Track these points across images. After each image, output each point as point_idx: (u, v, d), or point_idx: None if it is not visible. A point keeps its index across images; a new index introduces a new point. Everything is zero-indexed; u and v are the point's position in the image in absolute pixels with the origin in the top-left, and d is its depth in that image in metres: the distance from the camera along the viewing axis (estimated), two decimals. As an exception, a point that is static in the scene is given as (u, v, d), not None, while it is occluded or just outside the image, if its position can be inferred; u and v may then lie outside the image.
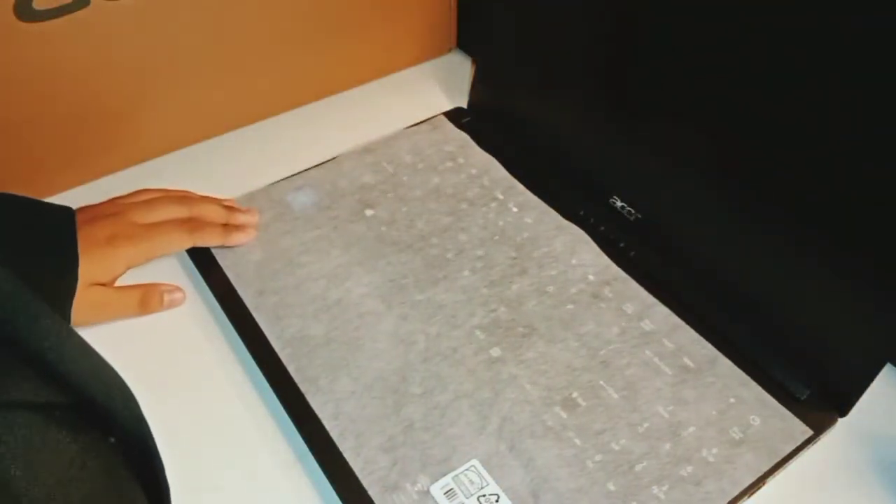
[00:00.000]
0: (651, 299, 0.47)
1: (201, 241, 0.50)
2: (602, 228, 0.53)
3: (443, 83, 0.68)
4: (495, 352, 0.45)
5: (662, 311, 0.47)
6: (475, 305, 0.47)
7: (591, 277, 0.49)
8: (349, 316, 0.47)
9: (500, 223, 0.53)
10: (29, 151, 0.55)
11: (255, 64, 0.61)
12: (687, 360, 0.44)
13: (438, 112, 0.63)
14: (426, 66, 0.71)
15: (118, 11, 0.51)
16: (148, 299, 0.48)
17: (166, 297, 0.49)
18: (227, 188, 0.56)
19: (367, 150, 0.59)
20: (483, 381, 0.43)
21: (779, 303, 0.44)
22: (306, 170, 0.57)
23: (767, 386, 0.43)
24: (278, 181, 0.56)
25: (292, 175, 0.57)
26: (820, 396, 0.43)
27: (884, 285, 0.39)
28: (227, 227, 0.51)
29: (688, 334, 0.46)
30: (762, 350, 0.45)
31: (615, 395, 0.43)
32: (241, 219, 0.52)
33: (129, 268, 0.48)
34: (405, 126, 0.62)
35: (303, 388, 0.43)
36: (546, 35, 0.55)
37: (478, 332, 0.46)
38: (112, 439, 0.30)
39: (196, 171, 0.59)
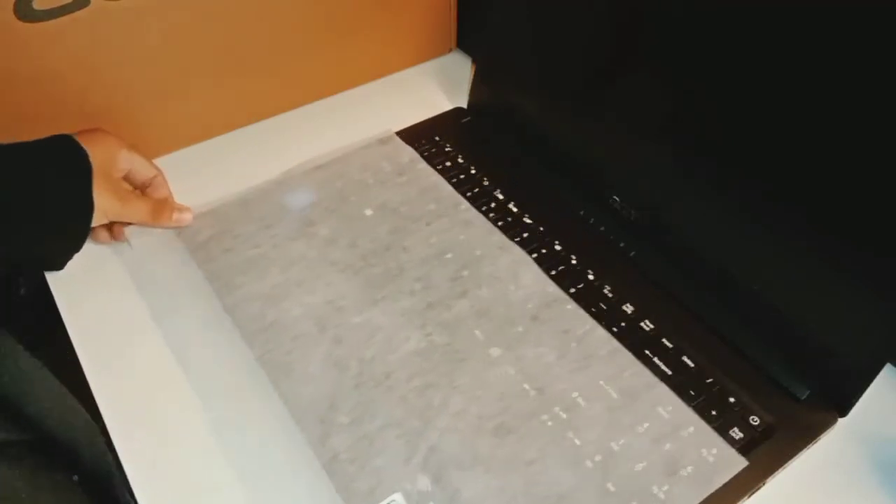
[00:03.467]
0: (591, 322, 0.46)
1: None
2: (602, 228, 0.53)
3: (443, 83, 0.68)
4: (429, 377, 0.43)
5: (602, 334, 0.45)
6: (412, 328, 0.46)
7: (531, 300, 0.47)
8: (283, 339, 0.46)
9: (444, 243, 0.51)
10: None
11: (256, 64, 0.61)
12: (625, 387, 0.43)
13: (435, 113, 0.63)
14: (426, 66, 0.71)
15: (118, 11, 0.51)
16: (160, 211, 0.51)
17: (175, 215, 0.51)
18: (226, 188, 0.56)
19: (316, 166, 0.58)
20: (414, 409, 0.42)
21: (779, 303, 0.44)
22: (252, 188, 0.56)
23: (720, 407, 0.42)
24: (226, 201, 0.55)
25: (243, 191, 0.56)
26: (820, 396, 0.43)
27: (884, 285, 0.39)
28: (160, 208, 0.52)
29: (626, 359, 0.44)
30: (762, 350, 0.45)
31: (549, 423, 0.41)
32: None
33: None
34: (399, 128, 0.62)
35: None
36: (546, 35, 0.55)
37: (413, 357, 0.44)
38: (76, 477, 0.30)
39: (196, 171, 0.59)
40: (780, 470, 0.40)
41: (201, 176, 0.58)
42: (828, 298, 0.42)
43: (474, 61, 0.65)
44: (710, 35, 0.44)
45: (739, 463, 0.40)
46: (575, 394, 0.43)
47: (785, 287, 0.44)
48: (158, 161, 0.60)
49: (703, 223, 0.48)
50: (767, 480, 0.40)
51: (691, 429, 0.41)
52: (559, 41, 0.54)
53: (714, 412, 0.42)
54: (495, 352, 0.45)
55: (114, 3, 0.51)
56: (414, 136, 0.61)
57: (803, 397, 0.43)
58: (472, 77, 0.63)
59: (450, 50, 0.72)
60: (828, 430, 0.42)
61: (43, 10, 0.49)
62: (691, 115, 0.46)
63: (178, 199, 0.55)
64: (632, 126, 0.51)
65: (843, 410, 0.42)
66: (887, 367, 0.43)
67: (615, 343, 0.45)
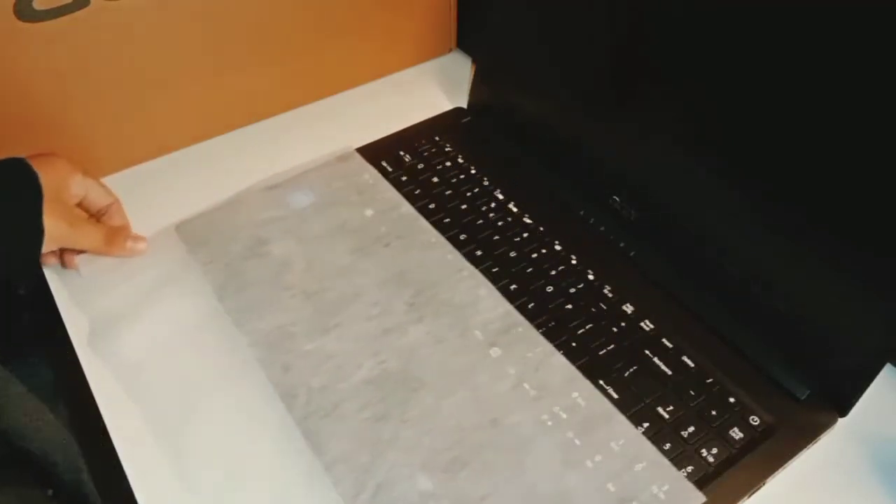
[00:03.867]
0: (549, 348, 0.45)
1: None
2: (602, 228, 0.53)
3: (443, 83, 0.68)
4: (380, 408, 0.42)
5: (560, 361, 0.44)
6: (366, 356, 0.44)
7: (489, 325, 0.46)
8: (220, 369, 0.44)
9: (402, 265, 0.49)
10: (28, 151, 0.55)
11: (255, 64, 0.61)
12: (582, 418, 0.41)
13: (435, 113, 0.63)
14: (426, 66, 0.71)
15: (118, 11, 0.51)
16: (113, 238, 0.50)
17: (130, 243, 0.50)
18: (226, 188, 0.56)
19: (272, 185, 0.56)
20: (364, 442, 0.40)
21: (779, 303, 0.44)
22: (205, 211, 0.54)
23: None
24: (183, 221, 0.54)
25: (194, 216, 0.54)
26: (820, 396, 0.43)
27: (884, 285, 0.39)
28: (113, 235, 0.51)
29: (584, 387, 0.43)
30: (762, 350, 0.45)
31: (503, 457, 0.40)
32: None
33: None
34: (399, 128, 0.61)
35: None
36: (546, 35, 0.55)
37: (364, 386, 0.43)
38: (50, 491, 0.30)
39: (196, 171, 0.59)
40: (780, 470, 0.40)
41: (200, 176, 0.58)
42: (828, 298, 0.42)
43: (474, 61, 0.65)
44: (709, 34, 0.43)
45: (695, 498, 0.38)
46: (530, 425, 0.41)
47: (785, 287, 0.44)
48: (160, 160, 0.61)
49: (704, 223, 0.48)
50: (767, 480, 0.40)
51: (644, 463, 0.40)
52: (559, 41, 0.54)
53: (714, 412, 0.42)
54: (450, 380, 0.43)
55: (114, 3, 0.51)
56: (413, 136, 0.61)
57: (803, 397, 0.43)
58: (472, 77, 0.63)
59: (450, 50, 0.72)
60: (828, 430, 0.42)
61: (43, 10, 0.49)
62: (692, 114, 0.46)
63: (165, 202, 0.54)
64: (632, 125, 0.51)
65: (843, 410, 0.42)
66: (887, 367, 0.43)
67: (573, 370, 0.43)
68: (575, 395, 0.42)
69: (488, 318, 0.46)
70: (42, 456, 0.28)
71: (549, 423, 0.41)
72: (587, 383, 0.43)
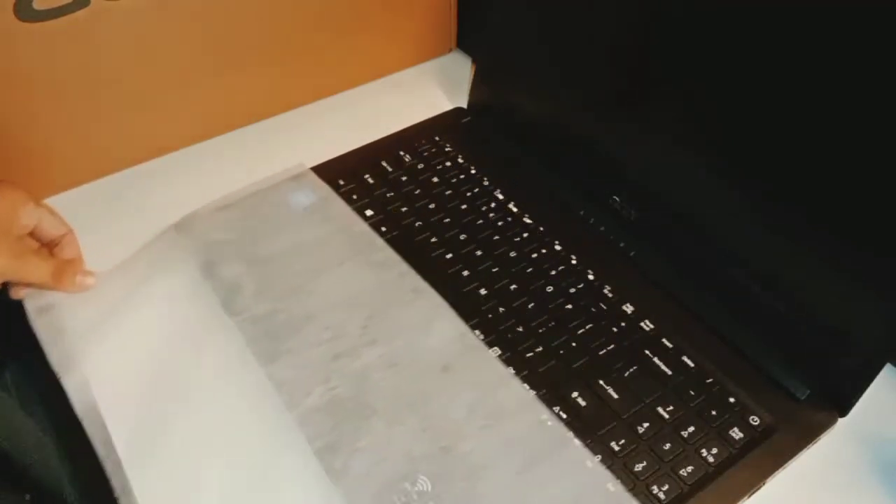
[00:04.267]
0: (505, 371, 0.43)
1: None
2: (602, 228, 0.53)
3: (443, 83, 0.68)
4: (329, 437, 0.40)
5: (516, 385, 0.43)
6: (316, 382, 0.43)
7: (444, 348, 0.44)
8: (173, 397, 0.43)
9: (356, 286, 0.48)
10: (29, 151, 0.55)
11: (255, 64, 0.61)
12: (537, 445, 0.40)
13: (435, 113, 0.63)
14: (426, 66, 0.71)
15: (118, 11, 0.51)
16: (61, 273, 0.47)
17: (79, 278, 0.48)
18: (226, 188, 0.56)
19: (223, 206, 0.54)
20: (316, 475, 0.39)
21: (779, 303, 0.44)
22: (156, 237, 0.53)
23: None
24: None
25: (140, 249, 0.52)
26: (820, 396, 0.43)
27: (884, 285, 0.39)
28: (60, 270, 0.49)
29: (540, 412, 0.41)
30: (762, 350, 0.45)
31: (460, 485, 0.38)
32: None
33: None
34: (399, 128, 0.61)
35: (114, 482, 0.39)
36: (546, 35, 0.55)
37: (314, 415, 0.41)
38: (28, 496, 0.29)
39: (196, 172, 0.59)
40: (780, 470, 0.40)
41: (200, 176, 0.58)
42: (827, 298, 0.42)
43: (474, 61, 0.65)
44: (709, 34, 0.43)
45: None
46: (483, 453, 0.39)
47: (785, 287, 0.44)
48: (160, 160, 0.61)
49: (704, 223, 0.48)
50: (767, 480, 0.40)
51: (603, 493, 0.38)
52: (559, 40, 0.54)
53: (714, 412, 0.42)
54: (402, 406, 0.42)
55: (114, 3, 0.51)
56: (413, 136, 0.61)
57: (803, 397, 0.43)
58: (472, 77, 0.63)
59: (450, 50, 0.72)
60: (828, 430, 0.42)
61: (43, 10, 0.48)
62: (692, 114, 0.46)
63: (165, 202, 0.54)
64: (632, 125, 0.51)
65: (843, 410, 0.42)
66: (887, 367, 0.43)
67: (530, 395, 0.42)
68: (530, 420, 0.41)
69: (443, 342, 0.45)
70: (20, 460, 0.28)
71: (504, 450, 0.39)
72: (543, 408, 0.42)
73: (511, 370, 0.44)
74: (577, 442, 0.40)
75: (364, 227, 0.52)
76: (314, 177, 0.56)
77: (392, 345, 0.45)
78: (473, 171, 0.58)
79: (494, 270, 0.50)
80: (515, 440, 0.40)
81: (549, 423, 0.41)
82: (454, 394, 0.42)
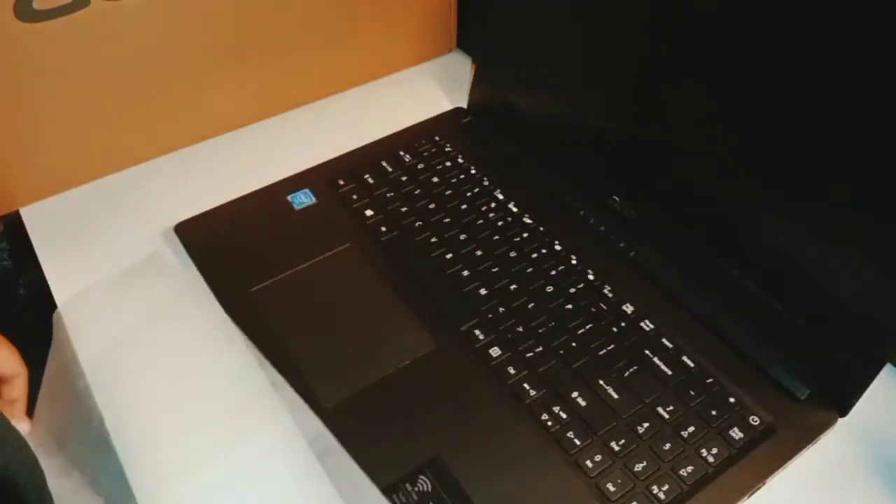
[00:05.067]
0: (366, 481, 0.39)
1: None
2: (602, 228, 0.53)
3: (443, 83, 0.68)
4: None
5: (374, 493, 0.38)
6: None
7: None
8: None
9: None
10: (29, 151, 0.55)
11: (255, 64, 0.61)
12: None
13: (435, 113, 0.63)
14: (426, 66, 0.71)
15: (118, 11, 0.51)
16: None
17: (13, 423, 0.44)
18: (225, 188, 0.56)
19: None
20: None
21: (779, 303, 0.44)
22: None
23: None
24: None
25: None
26: (820, 396, 0.43)
27: (884, 285, 0.39)
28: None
29: None
30: (763, 350, 0.45)
31: None
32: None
33: None
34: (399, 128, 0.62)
35: None
36: (546, 35, 0.55)
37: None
38: None
39: (196, 171, 0.59)
40: (780, 470, 0.40)
41: (201, 176, 0.58)
42: (828, 299, 0.42)
43: (474, 61, 0.65)
44: (709, 33, 0.43)
45: None
46: None
47: (785, 287, 0.44)
48: (160, 160, 0.61)
49: (704, 223, 0.48)
50: (767, 480, 0.40)
51: None
52: (559, 40, 0.54)
53: (714, 412, 0.42)
54: None
55: (114, 3, 0.51)
56: (413, 136, 0.61)
57: (803, 397, 0.43)
58: (472, 77, 0.63)
59: (450, 50, 0.72)
60: (828, 430, 0.42)
61: (43, 10, 0.48)
62: (692, 113, 0.46)
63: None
64: (632, 124, 0.51)
65: (843, 410, 0.42)
66: (887, 367, 0.43)
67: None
68: None
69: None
70: (4, 475, 0.27)
71: None
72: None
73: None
74: None
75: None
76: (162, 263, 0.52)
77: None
78: (473, 171, 0.58)
79: (494, 270, 0.50)
80: None
81: None
82: None
